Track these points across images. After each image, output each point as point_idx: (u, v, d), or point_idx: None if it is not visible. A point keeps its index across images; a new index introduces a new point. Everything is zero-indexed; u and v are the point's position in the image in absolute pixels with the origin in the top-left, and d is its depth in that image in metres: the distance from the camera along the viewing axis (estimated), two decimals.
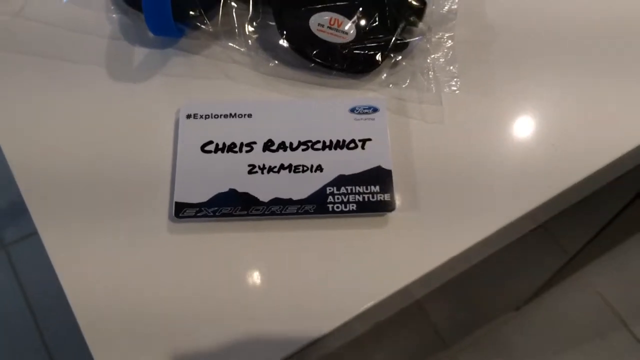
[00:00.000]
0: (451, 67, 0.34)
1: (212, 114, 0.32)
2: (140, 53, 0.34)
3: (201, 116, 0.32)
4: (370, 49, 0.34)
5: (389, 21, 0.34)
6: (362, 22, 0.34)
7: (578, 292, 1.28)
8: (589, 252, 1.07)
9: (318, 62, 0.34)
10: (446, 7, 0.35)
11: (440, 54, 0.34)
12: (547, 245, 0.92)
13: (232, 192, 0.30)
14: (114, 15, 0.35)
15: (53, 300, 1.33)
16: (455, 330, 1.13)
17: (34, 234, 1.43)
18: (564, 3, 0.37)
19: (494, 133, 0.33)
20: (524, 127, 0.33)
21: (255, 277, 0.29)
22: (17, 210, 1.49)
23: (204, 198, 0.30)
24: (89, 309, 0.28)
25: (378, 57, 0.34)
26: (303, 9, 0.34)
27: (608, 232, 0.91)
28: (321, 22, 0.34)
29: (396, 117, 0.33)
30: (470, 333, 1.17)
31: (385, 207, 0.30)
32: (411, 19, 0.34)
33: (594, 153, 0.32)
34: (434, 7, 0.35)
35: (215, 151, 0.31)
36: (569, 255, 1.00)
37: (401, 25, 0.34)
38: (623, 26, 0.36)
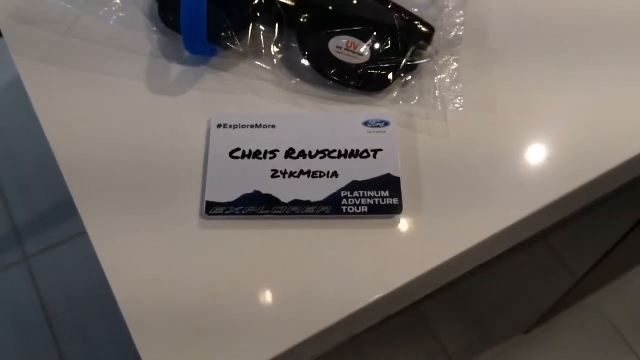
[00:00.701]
0: (456, 87, 0.37)
1: (239, 125, 0.36)
2: (176, 69, 0.38)
3: (230, 126, 0.36)
4: (383, 69, 0.38)
5: (400, 45, 0.38)
6: (376, 46, 0.38)
7: (588, 318, 1.29)
8: (599, 277, 1.08)
9: (336, 80, 0.38)
10: (452, 34, 0.39)
11: (446, 75, 0.38)
12: (555, 267, 0.94)
13: (257, 193, 0.34)
14: (154, 36, 0.39)
15: (71, 312, 1.35)
16: (464, 352, 1.14)
17: (53, 246, 1.47)
18: (562, 25, 0.41)
19: (495, 146, 0.36)
20: (524, 139, 0.36)
21: (275, 269, 0.32)
22: (38, 224, 1.53)
23: (231, 198, 0.34)
24: (130, 297, 0.31)
25: (390, 77, 0.38)
26: (323, 32, 0.38)
27: (617, 255, 0.93)
28: (339, 45, 0.38)
29: (405, 131, 0.37)
30: (479, 354, 1.19)
31: (393, 210, 0.34)
32: (420, 43, 0.38)
33: (593, 160, 0.35)
34: (441, 33, 0.39)
35: (242, 157, 0.35)
36: (577, 277, 1.02)
37: (411, 49, 0.38)
38: (628, 35, 0.40)
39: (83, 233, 1.47)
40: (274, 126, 0.36)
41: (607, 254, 0.92)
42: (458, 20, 0.40)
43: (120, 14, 0.39)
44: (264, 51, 0.38)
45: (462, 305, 1.06)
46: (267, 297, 0.32)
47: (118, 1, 0.39)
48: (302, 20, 0.38)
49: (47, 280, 1.37)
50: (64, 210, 1.50)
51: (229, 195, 0.34)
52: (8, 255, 1.46)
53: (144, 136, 0.36)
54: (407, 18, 0.38)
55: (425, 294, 0.36)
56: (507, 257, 0.67)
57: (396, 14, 0.38)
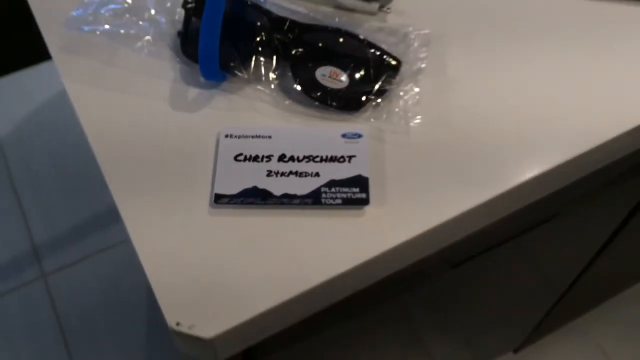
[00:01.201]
0: (417, 108, 0.47)
1: (242, 135, 0.46)
2: (194, 92, 0.48)
3: (235, 136, 0.46)
4: (358, 93, 0.47)
5: (372, 74, 0.47)
6: (354, 75, 0.47)
7: (578, 342, 1.34)
8: (583, 294, 1.14)
9: (321, 101, 0.47)
10: (416, 66, 0.49)
11: (409, 97, 0.47)
12: (538, 282, 1.00)
13: (255, 188, 0.43)
14: (177, 65, 0.49)
15: (85, 328, 1.40)
16: None
17: (70, 265, 1.53)
18: (507, 68, 0.50)
19: (447, 154, 0.45)
20: (471, 149, 0.45)
21: (267, 245, 0.41)
22: (56, 242, 1.59)
23: (234, 191, 0.43)
24: (155, 266, 0.40)
25: (364, 99, 0.47)
26: (311, 63, 0.47)
27: (599, 268, 0.99)
28: (324, 73, 0.47)
29: (375, 142, 0.46)
30: None
31: (362, 202, 0.43)
32: (389, 73, 0.47)
33: (529, 162, 0.44)
34: (407, 65, 0.48)
35: (244, 160, 0.44)
36: (561, 290, 1.07)
37: (382, 78, 0.47)
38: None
39: (99, 251, 1.54)
40: (270, 137, 0.46)
41: (589, 266, 0.98)
42: (421, 56, 0.49)
43: (151, 48, 0.49)
44: (263, 78, 0.48)
45: (454, 324, 1.13)
46: (261, 266, 0.40)
47: (149, 37, 0.49)
48: (294, 53, 0.48)
49: (63, 297, 1.43)
50: (81, 230, 1.57)
51: (233, 189, 0.43)
52: (27, 272, 1.52)
53: (167, 143, 0.45)
54: (378, 53, 0.48)
55: (391, 272, 0.45)
56: (490, 271, 0.74)
57: (370, 50, 0.48)
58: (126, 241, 1.54)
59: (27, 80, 1.83)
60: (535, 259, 0.88)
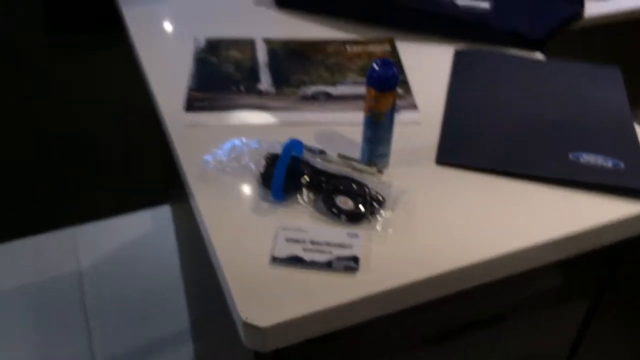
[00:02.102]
0: (391, 225, 0.82)
1: (291, 228, 0.81)
2: (266, 205, 0.84)
3: (287, 229, 0.81)
4: (358, 214, 0.82)
5: (367, 204, 0.83)
6: (357, 202, 0.83)
7: None
8: None
9: (337, 216, 0.83)
10: (394, 203, 0.84)
11: (388, 218, 0.82)
12: None
13: (295, 256, 0.77)
14: (258, 190, 0.86)
15: None
16: None
17: None
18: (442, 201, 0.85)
19: (406, 250, 0.79)
20: (422, 248, 0.79)
21: (299, 286, 0.74)
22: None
23: (283, 256, 0.77)
24: (237, 289, 0.74)
25: (360, 217, 0.82)
26: (333, 195, 0.84)
27: None
28: (340, 200, 0.83)
29: (365, 240, 0.80)
30: None
31: (354, 269, 0.76)
32: (378, 204, 0.83)
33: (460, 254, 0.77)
34: (389, 201, 0.84)
35: (291, 242, 0.79)
36: None
37: (373, 206, 0.83)
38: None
39: None
40: (307, 231, 0.81)
41: None
42: (399, 197, 0.85)
43: (245, 180, 0.87)
44: (306, 200, 0.84)
45: None
46: (296, 294, 0.73)
47: (245, 174, 0.87)
48: (324, 188, 0.84)
49: None
50: (138, 356, 1.84)
51: (283, 254, 0.77)
52: None
53: (251, 230, 0.81)
54: (373, 192, 0.84)
55: (372, 315, 0.76)
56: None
57: (368, 190, 0.84)
58: None
59: (114, 227, 2.25)
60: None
